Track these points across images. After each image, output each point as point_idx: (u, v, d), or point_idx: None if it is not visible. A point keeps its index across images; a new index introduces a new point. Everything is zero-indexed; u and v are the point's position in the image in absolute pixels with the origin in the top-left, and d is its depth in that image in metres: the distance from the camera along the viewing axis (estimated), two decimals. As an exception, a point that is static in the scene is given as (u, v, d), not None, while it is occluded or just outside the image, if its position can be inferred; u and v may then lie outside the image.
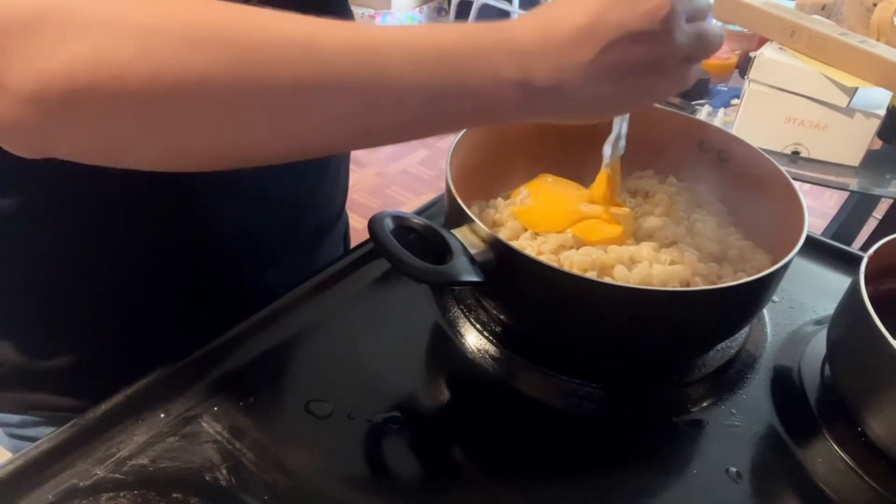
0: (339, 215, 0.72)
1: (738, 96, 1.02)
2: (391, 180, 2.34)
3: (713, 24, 0.40)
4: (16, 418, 0.59)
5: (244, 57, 0.31)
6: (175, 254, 0.55)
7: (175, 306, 0.58)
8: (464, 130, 0.55)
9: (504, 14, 2.34)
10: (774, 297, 0.59)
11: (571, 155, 0.61)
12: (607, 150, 0.52)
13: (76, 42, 0.29)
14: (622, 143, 0.52)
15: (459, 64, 0.34)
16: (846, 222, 1.50)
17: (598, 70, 0.36)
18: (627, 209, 0.56)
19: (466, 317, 0.55)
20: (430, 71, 0.34)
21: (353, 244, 0.63)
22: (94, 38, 0.29)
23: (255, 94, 0.32)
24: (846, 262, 0.64)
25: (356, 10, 2.40)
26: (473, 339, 0.54)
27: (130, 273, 0.55)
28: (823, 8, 1.09)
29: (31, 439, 0.44)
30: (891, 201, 1.36)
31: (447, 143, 0.53)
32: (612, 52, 0.35)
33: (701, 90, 1.03)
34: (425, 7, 2.52)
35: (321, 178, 0.65)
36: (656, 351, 0.51)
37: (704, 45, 0.39)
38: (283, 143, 0.35)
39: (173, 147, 0.34)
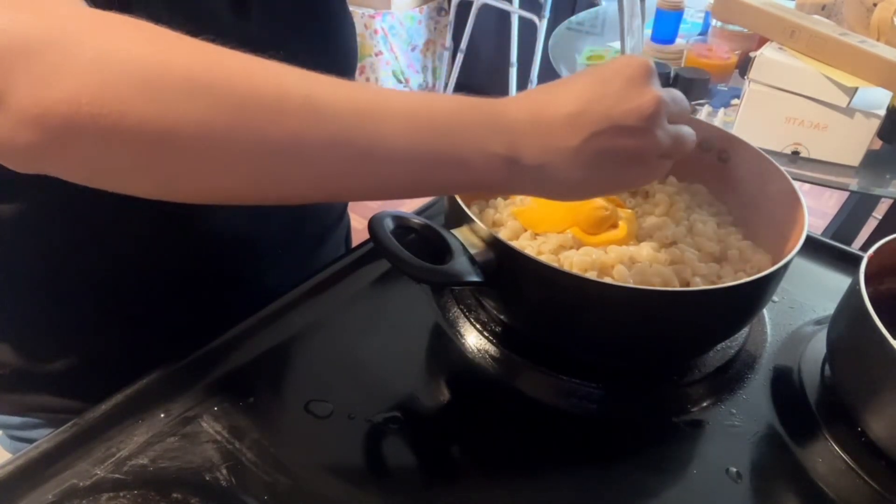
0: (341, 217, 0.72)
1: (738, 96, 1.02)
2: (391, 180, 2.34)
3: (688, 128, 0.42)
4: (16, 420, 0.59)
5: (244, 108, 0.32)
6: (176, 256, 0.55)
7: (176, 309, 0.58)
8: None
9: (504, 14, 2.34)
10: (774, 297, 0.59)
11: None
12: None
13: (85, 72, 0.30)
14: None
15: (452, 136, 0.36)
16: (846, 222, 1.50)
17: (582, 155, 0.38)
18: (630, 210, 0.56)
19: (466, 317, 0.55)
20: (423, 140, 0.35)
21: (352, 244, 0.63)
22: (102, 72, 0.30)
23: (250, 144, 0.33)
24: (846, 262, 0.64)
25: (356, 10, 2.40)
26: (473, 339, 0.54)
27: (131, 275, 0.55)
28: (823, 8, 1.09)
29: (32, 441, 0.44)
30: (891, 201, 1.36)
31: (447, 143, 0.53)
32: (597, 140, 0.37)
33: (701, 90, 1.04)
34: (425, 7, 2.51)
35: None
36: (656, 351, 0.51)
37: (680, 146, 0.41)
38: (273, 191, 0.36)
39: (166, 182, 0.34)
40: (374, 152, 0.35)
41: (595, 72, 0.39)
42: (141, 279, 0.55)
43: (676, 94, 0.41)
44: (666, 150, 0.40)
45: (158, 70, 0.31)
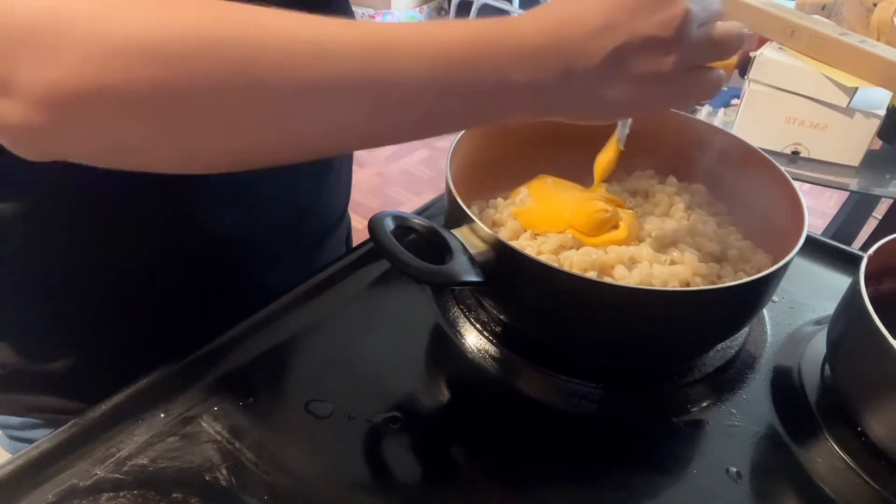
0: (342, 217, 0.72)
1: (738, 96, 1.02)
2: (391, 180, 2.34)
3: (728, 24, 0.39)
4: (17, 420, 0.59)
5: (252, 60, 0.31)
6: (176, 256, 0.55)
7: (176, 309, 0.58)
8: (464, 131, 0.55)
9: (504, 14, 2.34)
10: (774, 297, 0.59)
11: (571, 156, 0.60)
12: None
13: (85, 46, 0.29)
14: (625, 132, 0.52)
15: (468, 65, 0.34)
16: (846, 222, 1.50)
17: (608, 74, 0.36)
18: (630, 211, 0.56)
19: (466, 317, 0.55)
20: (439, 71, 0.34)
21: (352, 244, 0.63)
22: (103, 42, 0.29)
23: (262, 95, 0.32)
24: (846, 262, 0.64)
25: (356, 10, 2.39)
26: (473, 339, 0.54)
27: (131, 275, 0.55)
28: (823, 8, 1.09)
29: (32, 441, 0.44)
30: (891, 201, 1.36)
31: (447, 143, 0.53)
32: (623, 56, 0.35)
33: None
34: (425, 7, 2.51)
35: (323, 181, 0.65)
36: (656, 351, 0.51)
37: (718, 47, 0.38)
38: (293, 143, 0.35)
39: (183, 149, 0.34)
40: (391, 90, 0.34)
41: None
42: (141, 279, 0.55)
43: None
44: (700, 60, 0.38)
45: (159, 34, 0.30)
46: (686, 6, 0.35)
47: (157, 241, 0.54)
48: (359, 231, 0.60)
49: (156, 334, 0.56)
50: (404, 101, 0.34)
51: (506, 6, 2.28)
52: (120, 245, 0.53)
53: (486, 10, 2.35)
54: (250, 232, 0.59)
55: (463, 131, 0.55)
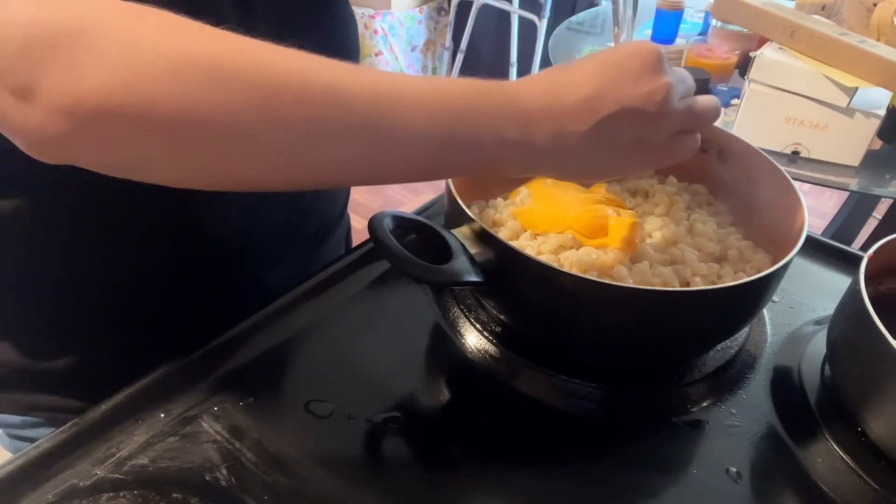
0: (341, 217, 0.72)
1: (738, 96, 1.02)
2: (391, 180, 2.34)
3: (705, 98, 0.43)
4: (16, 419, 0.59)
5: (272, 96, 0.33)
6: (176, 256, 0.55)
7: (176, 308, 0.58)
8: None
9: (504, 14, 2.34)
10: (774, 297, 0.59)
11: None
12: None
13: (114, 62, 0.30)
14: None
15: (466, 119, 0.37)
16: (846, 222, 1.50)
17: (595, 139, 0.38)
18: (632, 212, 0.56)
19: (466, 317, 0.55)
20: (440, 125, 0.36)
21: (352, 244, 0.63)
22: (131, 61, 0.30)
23: (275, 132, 0.33)
24: (846, 262, 0.64)
25: (356, 10, 2.39)
26: (473, 339, 0.54)
27: (132, 275, 0.55)
28: (823, 8, 1.09)
29: (32, 440, 0.44)
30: (891, 201, 1.36)
31: (447, 143, 0.53)
32: (610, 124, 0.38)
33: (701, 90, 1.03)
34: (425, 7, 2.52)
35: None
36: (656, 351, 0.51)
37: (697, 118, 0.42)
38: (297, 176, 0.37)
39: (193, 170, 0.35)
40: (394, 137, 0.36)
41: (607, 56, 0.39)
42: (141, 279, 0.55)
43: (682, 73, 0.42)
44: (681, 128, 0.41)
45: (185, 59, 0.31)
46: (669, 80, 0.38)
47: (158, 240, 0.54)
48: (359, 231, 0.60)
49: (156, 333, 0.56)
50: (406, 147, 0.36)
51: (506, 6, 2.28)
52: (120, 244, 0.53)
53: (486, 10, 2.35)
54: (250, 231, 0.59)
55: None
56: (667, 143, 0.41)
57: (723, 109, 1.04)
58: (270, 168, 0.35)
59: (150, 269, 0.55)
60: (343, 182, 0.40)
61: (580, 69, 0.39)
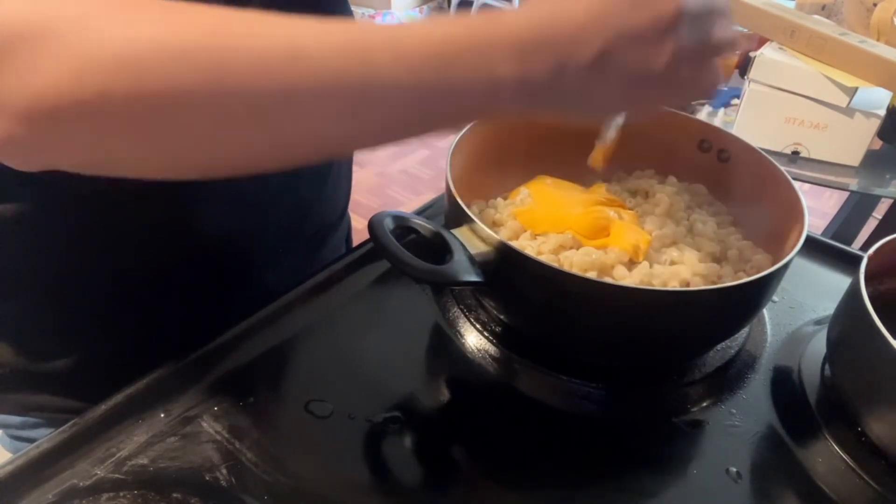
0: (342, 217, 0.72)
1: (738, 96, 1.02)
2: (391, 180, 2.34)
3: (723, 24, 0.38)
4: (16, 420, 0.59)
5: (227, 67, 0.31)
6: (177, 255, 0.55)
7: (176, 308, 0.58)
8: (464, 130, 0.55)
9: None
10: (774, 297, 0.59)
11: (571, 156, 0.60)
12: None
13: (61, 59, 0.29)
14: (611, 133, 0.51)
15: (451, 64, 0.33)
16: (846, 222, 1.50)
17: (597, 71, 0.35)
18: (632, 212, 0.56)
19: (466, 317, 0.55)
20: (421, 73, 0.33)
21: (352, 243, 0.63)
22: (78, 55, 0.29)
23: (240, 103, 0.31)
24: (846, 262, 0.64)
25: (356, 10, 2.39)
26: (473, 339, 0.54)
27: (131, 275, 0.55)
28: (823, 8, 1.09)
29: (32, 440, 0.44)
30: (891, 201, 1.36)
31: (447, 143, 0.53)
32: (612, 54, 0.34)
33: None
34: (425, 7, 2.52)
35: (324, 181, 0.65)
36: (656, 351, 0.51)
37: (713, 48, 0.37)
38: (276, 150, 0.35)
39: (166, 157, 0.34)
40: (370, 94, 0.33)
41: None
42: (141, 279, 0.55)
43: None
44: (693, 58, 0.36)
45: (132, 45, 0.30)
46: (678, 3, 0.34)
47: (158, 241, 0.54)
48: (359, 231, 0.60)
49: (155, 334, 0.56)
50: (386, 104, 0.33)
51: (506, 6, 2.28)
52: (120, 245, 0.53)
53: (486, 10, 2.36)
54: (251, 231, 0.59)
55: (462, 131, 0.54)
56: (678, 76, 0.36)
57: (723, 109, 1.05)
58: (245, 146, 0.33)
59: (149, 270, 0.55)
60: (328, 151, 0.37)
61: None
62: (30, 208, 0.49)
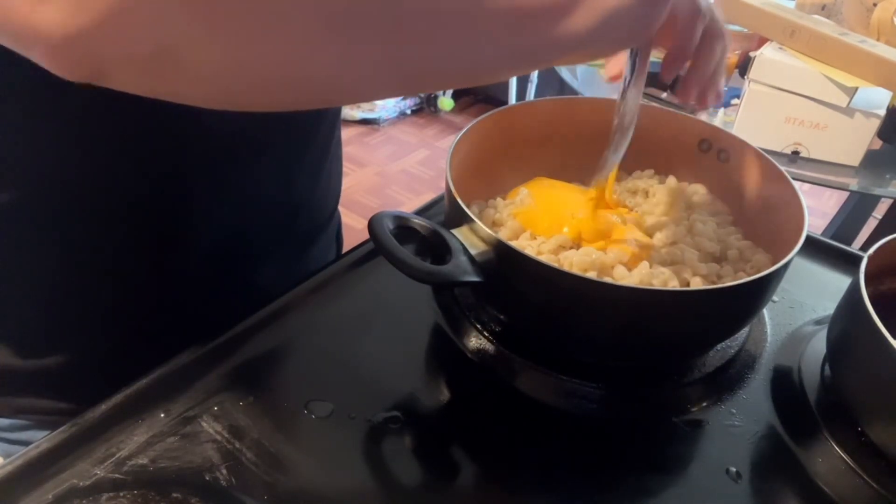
0: (332, 216, 0.72)
1: (738, 96, 1.02)
2: (391, 180, 2.34)
3: None
4: (6, 422, 0.59)
5: None
6: (168, 255, 0.55)
7: (167, 308, 0.57)
8: (464, 130, 0.55)
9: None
10: (774, 297, 0.59)
11: (571, 156, 0.61)
12: (612, 157, 0.52)
13: None
14: (622, 151, 0.51)
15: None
16: (846, 222, 1.50)
17: None
18: (637, 215, 0.56)
19: (466, 317, 0.55)
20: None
21: (352, 244, 0.63)
22: None
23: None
24: (846, 262, 0.64)
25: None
26: (473, 339, 0.54)
27: (123, 274, 0.54)
28: (823, 8, 1.09)
29: (24, 443, 0.43)
30: (891, 201, 1.36)
31: (447, 143, 0.53)
32: None
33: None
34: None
35: (315, 180, 0.65)
36: (656, 351, 0.51)
37: None
38: (375, 66, 0.32)
39: (228, 59, 0.30)
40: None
41: None
42: (132, 278, 0.55)
43: None
44: None
45: None
46: None
47: (150, 239, 0.54)
48: (359, 231, 0.60)
49: (147, 333, 0.56)
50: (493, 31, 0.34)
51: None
52: (110, 243, 0.52)
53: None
54: (244, 230, 0.59)
55: (462, 131, 0.55)
56: None
57: (723, 109, 1.05)
58: (337, 56, 0.31)
59: (141, 270, 0.55)
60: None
61: None
62: (20, 203, 0.48)
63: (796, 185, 0.53)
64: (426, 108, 2.81)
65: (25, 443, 0.43)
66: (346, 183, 2.17)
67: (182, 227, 0.55)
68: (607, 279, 0.49)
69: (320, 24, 0.30)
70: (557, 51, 0.38)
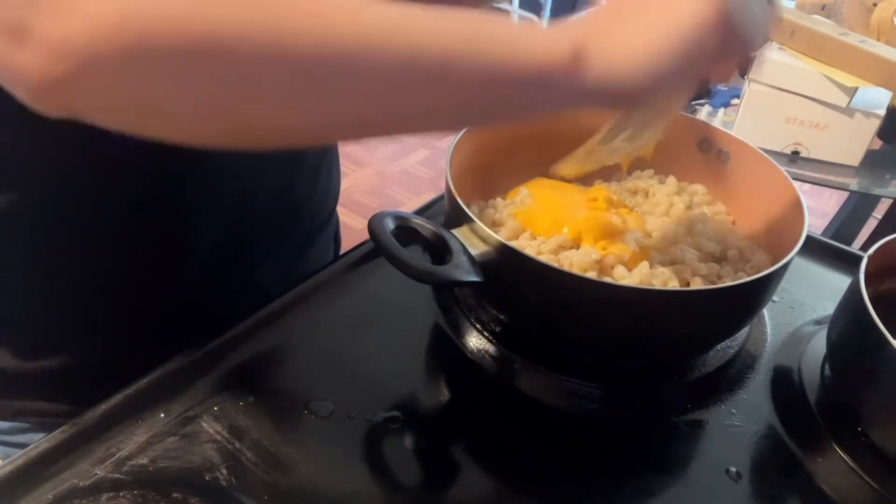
0: (331, 216, 0.72)
1: (738, 96, 1.02)
2: (391, 180, 2.34)
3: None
4: (5, 425, 0.59)
5: (287, 24, 0.29)
6: (167, 256, 0.55)
7: (165, 309, 0.57)
8: (463, 130, 0.55)
9: (504, 14, 2.34)
10: (774, 297, 0.59)
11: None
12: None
13: (103, 4, 0.28)
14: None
15: (508, 41, 0.33)
16: (846, 222, 1.50)
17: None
18: (638, 215, 0.56)
19: (466, 317, 0.55)
20: (479, 49, 0.33)
21: (352, 244, 0.63)
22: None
23: (289, 56, 0.30)
24: (846, 262, 0.64)
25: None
26: (473, 339, 0.54)
27: (121, 275, 0.54)
28: (823, 8, 1.09)
29: (22, 446, 0.43)
30: (891, 201, 1.36)
31: (447, 143, 0.53)
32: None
33: (701, 90, 1.04)
34: (425, 7, 2.52)
35: (314, 180, 0.65)
36: (656, 351, 0.51)
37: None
38: (316, 116, 0.33)
39: (201, 111, 0.32)
40: (420, 67, 0.32)
41: (663, 19, 0.36)
42: (132, 279, 0.55)
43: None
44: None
45: None
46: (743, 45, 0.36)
47: (147, 241, 0.53)
48: (359, 231, 0.60)
49: (146, 335, 0.56)
50: (435, 81, 0.33)
51: (506, 6, 2.29)
52: (108, 244, 0.52)
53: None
54: (244, 232, 0.59)
55: (462, 131, 0.54)
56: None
57: (723, 109, 1.05)
58: (285, 106, 0.32)
59: (139, 271, 0.55)
60: (369, 127, 0.36)
61: (648, 28, 0.35)
62: (19, 204, 0.48)
63: (796, 185, 0.53)
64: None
65: (24, 445, 0.43)
66: (346, 183, 2.17)
67: (181, 227, 0.54)
68: (607, 279, 0.49)
69: (292, 79, 0.31)
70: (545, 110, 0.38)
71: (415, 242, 0.46)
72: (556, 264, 0.48)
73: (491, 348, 0.53)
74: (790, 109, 0.92)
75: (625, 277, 0.49)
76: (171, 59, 0.29)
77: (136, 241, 0.53)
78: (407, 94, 0.33)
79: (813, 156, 0.94)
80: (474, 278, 0.44)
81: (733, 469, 0.46)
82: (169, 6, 0.28)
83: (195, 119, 0.32)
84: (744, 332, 0.56)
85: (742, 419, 0.49)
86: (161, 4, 0.28)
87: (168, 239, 0.54)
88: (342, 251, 0.63)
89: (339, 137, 0.35)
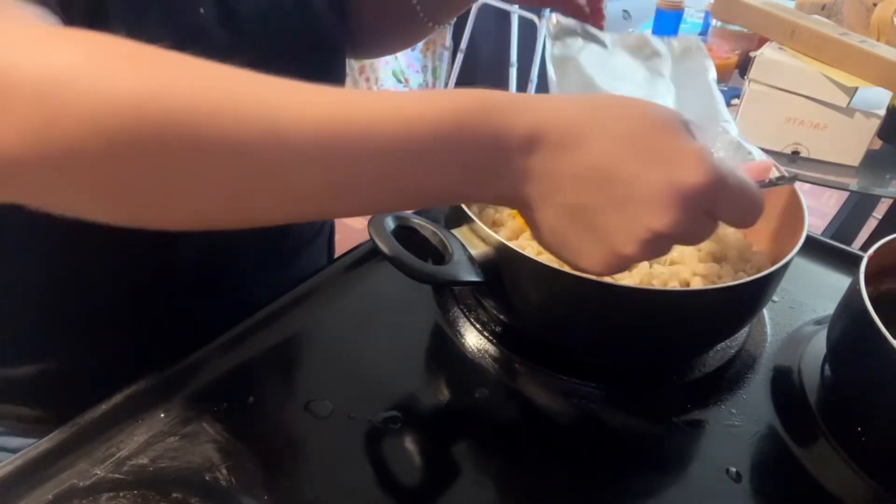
0: (322, 228, 0.72)
1: (738, 96, 1.02)
2: (391, 180, 2.33)
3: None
4: None
5: (203, 136, 0.30)
6: (155, 266, 0.55)
7: (151, 319, 0.57)
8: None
9: (504, 14, 2.34)
10: (774, 297, 0.59)
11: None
12: None
13: (27, 111, 0.28)
14: None
15: (428, 159, 0.32)
16: (846, 222, 1.50)
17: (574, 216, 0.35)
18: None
19: (466, 317, 0.55)
20: (397, 168, 0.32)
21: (351, 245, 0.63)
22: (51, 108, 0.28)
23: (214, 176, 0.31)
24: (846, 262, 0.64)
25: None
26: (473, 339, 0.54)
27: (107, 285, 0.54)
28: (823, 8, 1.09)
29: (2, 449, 0.43)
30: (891, 201, 1.36)
31: (447, 143, 0.53)
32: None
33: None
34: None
35: None
36: (656, 351, 0.51)
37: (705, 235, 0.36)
38: (238, 212, 0.34)
39: (130, 212, 0.33)
40: (344, 177, 0.32)
41: (622, 123, 0.33)
42: (117, 290, 0.54)
43: (742, 179, 0.34)
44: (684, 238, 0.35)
45: (110, 104, 0.29)
46: (715, 180, 0.32)
47: (135, 250, 0.53)
48: (358, 231, 0.60)
49: (128, 344, 0.55)
50: (359, 188, 0.33)
51: (506, 6, 2.28)
52: (95, 254, 0.51)
53: (486, 10, 2.35)
54: (231, 248, 0.58)
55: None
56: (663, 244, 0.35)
57: (723, 109, 1.04)
58: (215, 207, 0.33)
59: (126, 281, 0.54)
60: (297, 217, 0.36)
61: (593, 134, 0.33)
62: (6, 212, 0.48)
63: (796, 185, 0.53)
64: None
65: (3, 449, 0.42)
66: (346, 183, 2.16)
67: (166, 241, 0.54)
68: (607, 279, 0.49)
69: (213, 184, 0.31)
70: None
71: (415, 242, 0.46)
72: (556, 264, 0.47)
73: (491, 348, 0.53)
74: (790, 109, 0.92)
75: (625, 277, 0.49)
76: (89, 177, 0.30)
77: (121, 254, 0.53)
78: (326, 199, 0.33)
79: (813, 156, 0.94)
80: (474, 278, 0.44)
81: (733, 469, 0.46)
82: (94, 128, 0.29)
83: (121, 219, 0.33)
84: (744, 332, 0.56)
85: (742, 419, 0.49)
86: (89, 126, 0.29)
87: (152, 253, 0.54)
88: (337, 254, 0.62)
89: (277, 222, 0.35)
